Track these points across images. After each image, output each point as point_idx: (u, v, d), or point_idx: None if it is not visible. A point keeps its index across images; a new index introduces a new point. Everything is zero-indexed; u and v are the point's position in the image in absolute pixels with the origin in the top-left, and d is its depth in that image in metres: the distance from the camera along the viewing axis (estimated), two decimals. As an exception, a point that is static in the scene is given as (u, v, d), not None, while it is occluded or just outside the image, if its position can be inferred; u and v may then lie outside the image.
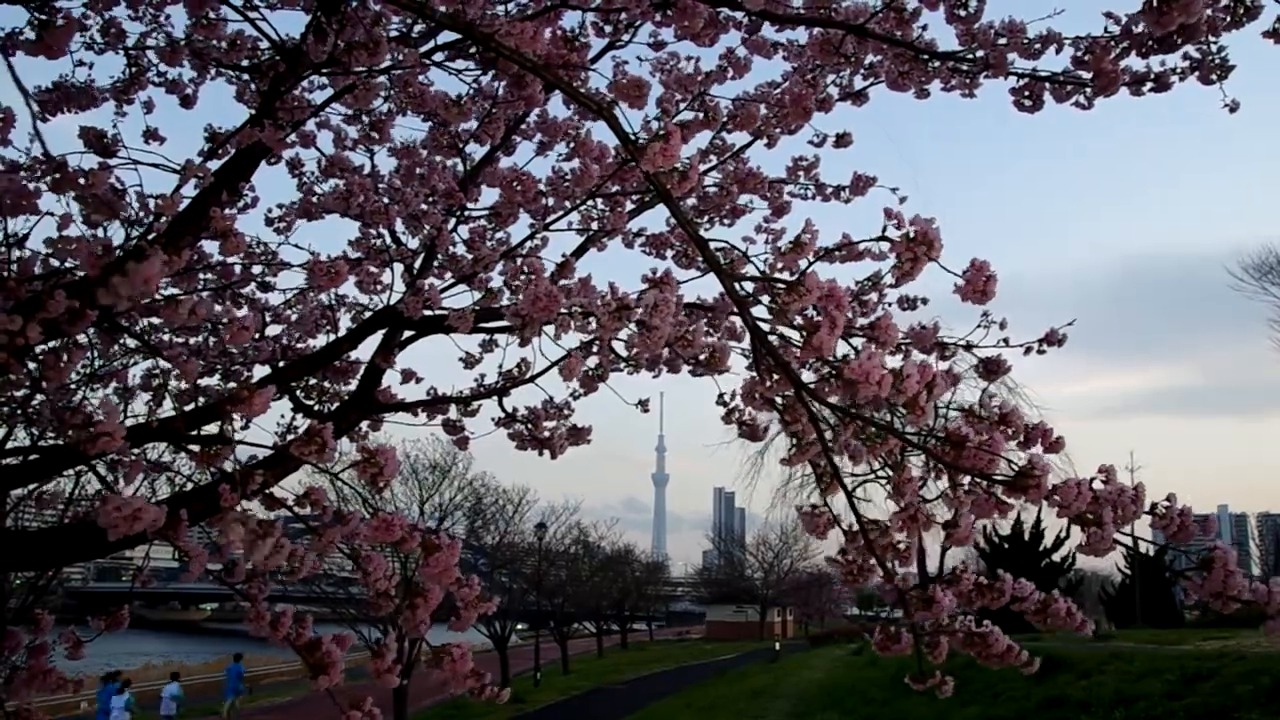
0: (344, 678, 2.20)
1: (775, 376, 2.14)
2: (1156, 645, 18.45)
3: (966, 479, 2.09)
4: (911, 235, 1.97)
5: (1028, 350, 4.32)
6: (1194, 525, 1.98)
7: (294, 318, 4.74)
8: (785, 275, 2.07)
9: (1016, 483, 1.94)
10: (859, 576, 2.24)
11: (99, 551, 2.98)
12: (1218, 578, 1.82)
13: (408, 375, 4.60)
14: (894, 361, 2.03)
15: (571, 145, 4.37)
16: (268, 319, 4.74)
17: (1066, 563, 38.25)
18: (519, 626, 46.17)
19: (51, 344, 2.28)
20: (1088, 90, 3.57)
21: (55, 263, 2.88)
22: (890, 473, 2.30)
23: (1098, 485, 1.91)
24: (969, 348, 4.11)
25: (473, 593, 2.19)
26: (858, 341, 3.20)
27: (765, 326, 2.19)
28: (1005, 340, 4.11)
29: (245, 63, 3.83)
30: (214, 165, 3.30)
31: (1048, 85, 3.68)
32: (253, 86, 3.93)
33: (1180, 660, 15.20)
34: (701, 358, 2.46)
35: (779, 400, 2.24)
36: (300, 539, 2.55)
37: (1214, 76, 3.55)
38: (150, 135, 4.07)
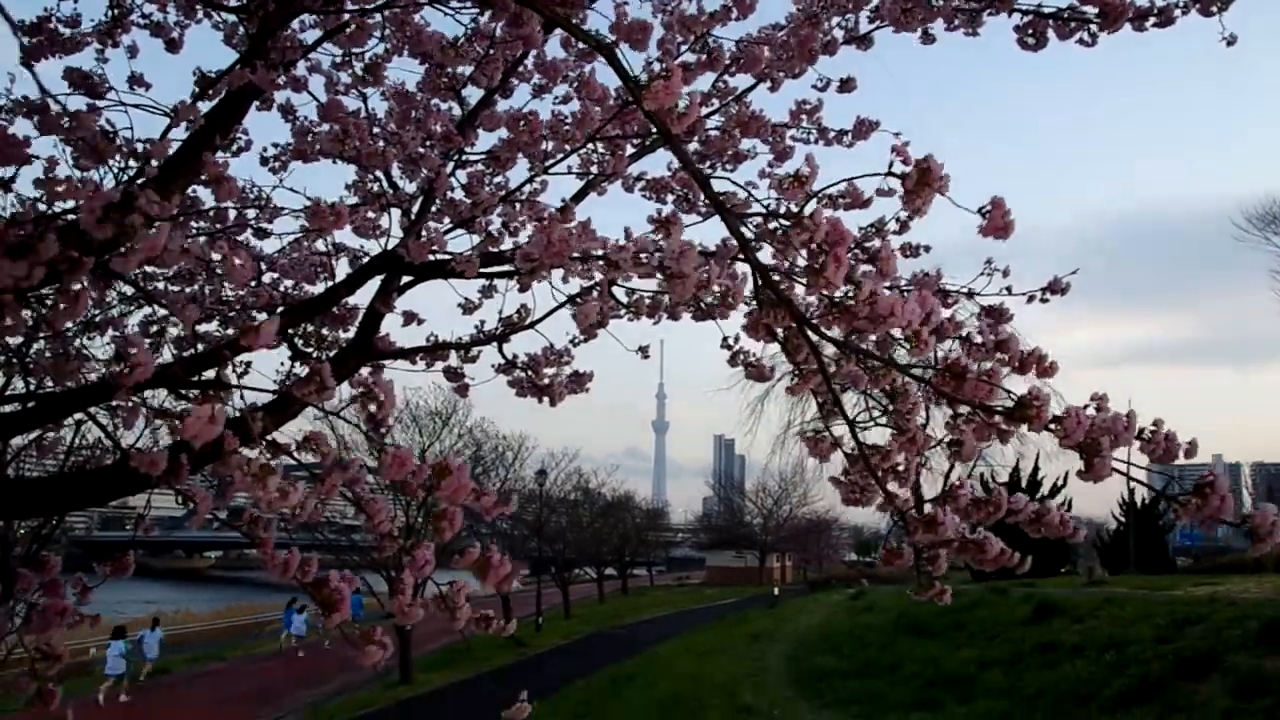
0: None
1: (777, 311, 2.14)
2: (1149, 591, 18.71)
3: (967, 409, 2.12)
4: (922, 169, 1.95)
5: (1030, 299, 4.29)
6: (1178, 447, 2.03)
7: (289, 264, 4.69)
8: (788, 210, 2.06)
9: (1016, 413, 1.97)
10: (861, 497, 2.29)
11: (101, 498, 2.98)
12: (1214, 502, 1.85)
13: (409, 317, 4.56)
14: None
15: (575, 86, 4.30)
16: (263, 266, 4.70)
17: (1062, 510, 38.60)
18: (521, 573, 46.75)
19: (49, 290, 2.26)
20: (1092, 26, 3.51)
21: (42, 207, 2.85)
22: (890, 407, 2.32)
23: (1090, 413, 1.94)
24: (971, 295, 4.09)
25: (491, 498, 2.22)
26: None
27: (767, 265, 2.19)
28: (1008, 289, 4.09)
29: (234, 3, 3.74)
30: (204, 107, 3.24)
31: (1051, 22, 3.62)
32: (242, 28, 3.85)
33: (1171, 605, 15.43)
34: (714, 301, 2.45)
35: (781, 333, 2.24)
36: (304, 484, 2.56)
37: (1214, 8, 3.50)
38: (135, 81, 3.98)
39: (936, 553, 2.18)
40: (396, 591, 2.22)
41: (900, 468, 2.24)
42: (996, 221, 2.11)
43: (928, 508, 2.13)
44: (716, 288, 2.25)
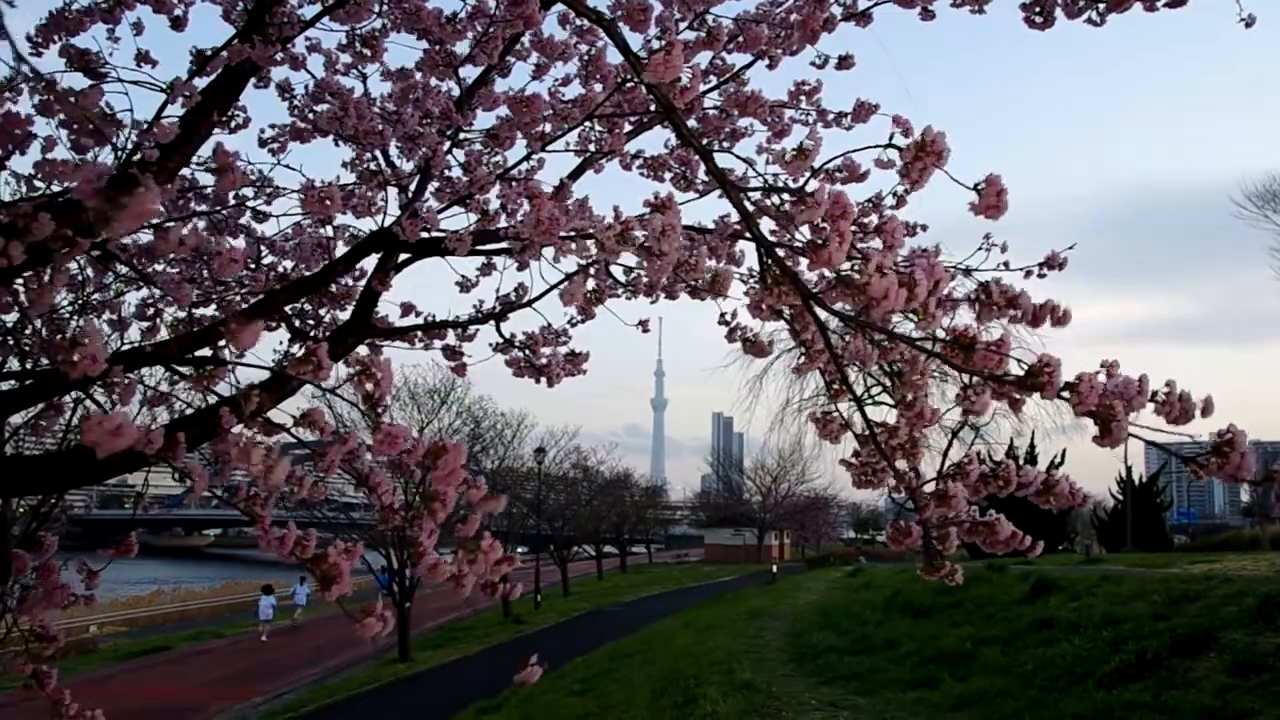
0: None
1: (782, 288, 2.12)
2: (1145, 569, 18.77)
3: (977, 381, 2.10)
4: (920, 142, 1.93)
5: (1028, 274, 4.27)
6: (1193, 407, 2.00)
7: (289, 247, 4.67)
8: (790, 184, 2.04)
9: (1028, 381, 1.94)
10: (872, 479, 2.28)
11: (99, 476, 2.98)
12: (1234, 460, 1.83)
13: (407, 309, 4.55)
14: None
15: (584, 64, 4.27)
16: (263, 250, 4.68)
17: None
18: (519, 550, 46.94)
19: (37, 269, 2.24)
20: (1100, 5, 3.46)
21: (40, 185, 2.83)
22: (898, 380, 2.31)
23: (1101, 379, 1.92)
24: (968, 272, 4.07)
25: (480, 492, 2.21)
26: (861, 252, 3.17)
27: (770, 239, 2.17)
28: (1005, 264, 4.07)
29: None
30: (201, 83, 3.21)
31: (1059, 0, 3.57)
32: (240, 3, 3.81)
33: (1168, 583, 15.47)
34: (703, 284, 2.43)
35: (786, 311, 2.22)
36: (303, 463, 2.55)
37: None
38: (142, 58, 3.93)
39: (946, 531, 2.17)
40: (418, 555, 2.21)
41: (908, 444, 2.23)
42: (989, 200, 2.08)
43: (931, 485, 2.12)
44: (705, 272, 2.23)
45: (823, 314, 2.13)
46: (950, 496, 2.03)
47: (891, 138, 2.00)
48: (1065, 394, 1.90)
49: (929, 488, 2.13)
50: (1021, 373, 1.96)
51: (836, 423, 2.41)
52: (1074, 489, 2.16)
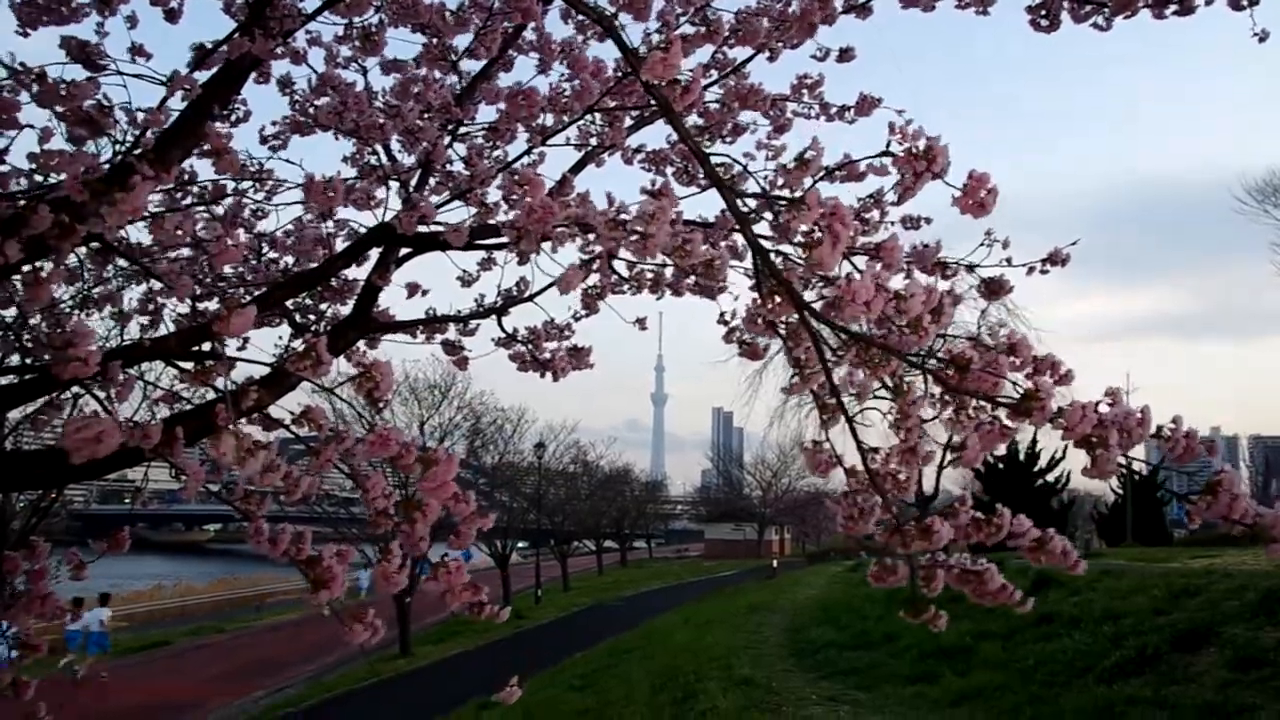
0: (346, 594, 2.20)
1: (777, 298, 2.08)
2: (1145, 563, 18.72)
3: (970, 403, 2.05)
4: (915, 151, 1.89)
5: (1030, 270, 4.26)
6: (1198, 446, 1.94)
7: (289, 242, 4.66)
8: (788, 192, 2.01)
9: (1020, 406, 1.88)
10: (860, 520, 2.20)
11: (99, 471, 2.97)
12: (1223, 501, 1.80)
13: (413, 289, 4.53)
14: (897, 282, 1.96)
15: (568, 62, 4.26)
16: (263, 245, 4.67)
17: (1060, 483, 38.82)
18: (519, 545, 46.92)
19: (36, 263, 2.23)
20: (1106, 10, 3.44)
21: (39, 178, 2.82)
22: (892, 393, 2.26)
23: (1103, 408, 1.86)
24: (971, 268, 4.05)
25: (468, 508, 2.18)
26: (860, 260, 3.15)
27: (767, 245, 2.14)
28: (1008, 260, 4.05)
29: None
30: (201, 77, 3.19)
31: (1065, 3, 3.55)
32: (240, -3, 3.79)
33: (1168, 578, 15.44)
34: (697, 271, 2.37)
35: (782, 327, 2.18)
36: (300, 460, 2.54)
37: (1245, 1, 3.38)
38: (136, 51, 3.91)
39: (933, 572, 2.10)
40: (384, 558, 2.19)
41: (900, 476, 2.18)
42: (974, 197, 1.98)
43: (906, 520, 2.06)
44: (699, 257, 2.18)
45: (817, 324, 2.08)
46: (934, 532, 1.96)
47: (888, 145, 1.95)
48: (1059, 420, 1.84)
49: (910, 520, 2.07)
50: (1015, 396, 1.90)
51: (827, 455, 2.33)
52: (1067, 549, 2.06)
